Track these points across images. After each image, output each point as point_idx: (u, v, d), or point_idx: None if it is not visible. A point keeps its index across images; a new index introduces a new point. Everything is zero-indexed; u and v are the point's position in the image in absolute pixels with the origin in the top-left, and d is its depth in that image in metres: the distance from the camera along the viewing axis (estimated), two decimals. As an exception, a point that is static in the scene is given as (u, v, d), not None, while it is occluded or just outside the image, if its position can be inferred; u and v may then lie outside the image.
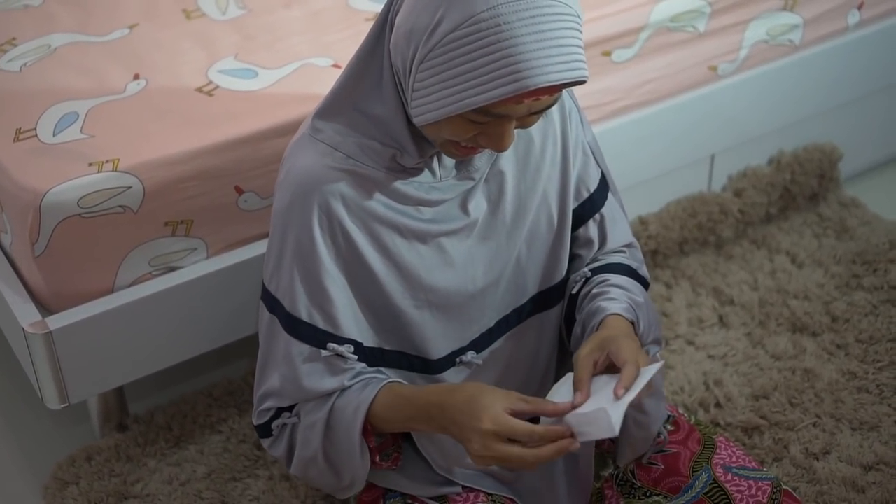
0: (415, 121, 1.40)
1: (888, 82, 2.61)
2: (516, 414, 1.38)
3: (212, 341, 1.93)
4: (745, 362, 2.13)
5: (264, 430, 1.58)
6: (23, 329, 1.76)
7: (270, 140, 1.84)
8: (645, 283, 1.66)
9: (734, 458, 1.62)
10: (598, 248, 1.66)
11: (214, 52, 2.03)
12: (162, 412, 2.05)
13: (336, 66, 1.98)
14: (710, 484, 1.57)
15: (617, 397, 1.36)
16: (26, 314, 1.78)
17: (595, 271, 1.63)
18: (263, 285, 1.55)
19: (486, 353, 1.62)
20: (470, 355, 1.60)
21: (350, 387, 1.51)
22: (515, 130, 1.43)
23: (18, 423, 2.15)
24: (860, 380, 2.08)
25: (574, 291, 1.63)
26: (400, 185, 1.49)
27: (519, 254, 1.60)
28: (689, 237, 2.40)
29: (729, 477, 1.58)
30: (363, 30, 2.08)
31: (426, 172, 1.50)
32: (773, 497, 1.55)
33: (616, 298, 1.56)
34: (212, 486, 1.93)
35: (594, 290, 1.59)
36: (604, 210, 1.66)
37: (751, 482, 1.57)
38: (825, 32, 2.43)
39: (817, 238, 2.45)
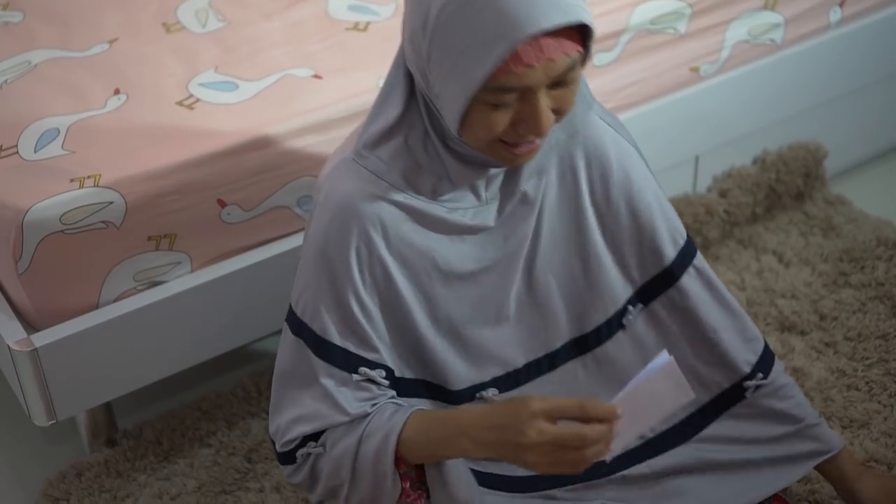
0: (451, 128, 1.34)
1: (872, 78, 2.61)
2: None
3: (199, 354, 1.93)
4: (734, 362, 2.13)
5: (287, 458, 1.52)
6: (8, 347, 1.75)
7: (252, 152, 1.84)
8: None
9: (725, 460, 1.61)
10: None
11: (195, 66, 2.03)
12: (151, 427, 2.05)
13: (317, 76, 1.98)
14: (701, 486, 1.57)
15: None
16: (11, 332, 1.78)
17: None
18: (290, 307, 1.50)
19: (513, 393, 1.55)
20: (491, 392, 1.55)
21: (380, 411, 1.45)
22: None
23: (7, 440, 2.14)
24: (849, 377, 2.07)
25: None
26: (443, 213, 1.44)
27: (547, 293, 1.55)
28: (676, 238, 2.39)
29: (720, 479, 1.58)
30: (343, 39, 2.08)
31: (470, 196, 1.46)
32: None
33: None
34: (202, 499, 1.92)
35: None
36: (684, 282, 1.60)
37: (741, 483, 1.57)
38: (807, 31, 2.43)
39: (804, 236, 2.45)
